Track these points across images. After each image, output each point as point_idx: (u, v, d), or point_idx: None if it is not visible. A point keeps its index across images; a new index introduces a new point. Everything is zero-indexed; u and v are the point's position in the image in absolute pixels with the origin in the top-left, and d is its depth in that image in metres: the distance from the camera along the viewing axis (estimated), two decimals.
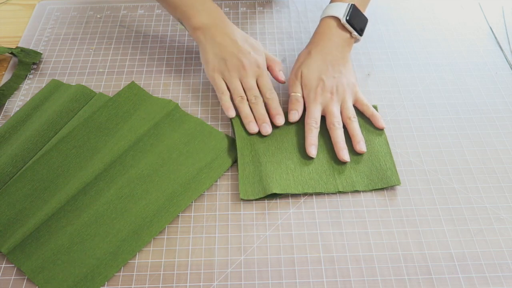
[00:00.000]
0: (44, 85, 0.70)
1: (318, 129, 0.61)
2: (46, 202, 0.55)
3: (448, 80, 0.71)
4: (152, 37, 0.78)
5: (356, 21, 0.65)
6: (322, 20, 0.68)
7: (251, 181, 0.57)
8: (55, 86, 0.68)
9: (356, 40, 0.68)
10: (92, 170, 0.57)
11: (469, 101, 0.68)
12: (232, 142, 0.62)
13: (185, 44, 0.77)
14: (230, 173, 0.59)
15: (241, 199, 0.56)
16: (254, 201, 0.57)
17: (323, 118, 0.63)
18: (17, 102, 0.68)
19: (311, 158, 0.60)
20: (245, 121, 0.62)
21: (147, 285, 0.50)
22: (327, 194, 0.57)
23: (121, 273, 0.51)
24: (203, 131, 0.62)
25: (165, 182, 0.57)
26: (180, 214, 0.55)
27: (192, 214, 0.56)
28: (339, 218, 0.55)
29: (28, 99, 0.68)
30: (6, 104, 0.68)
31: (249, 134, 0.62)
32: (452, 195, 0.57)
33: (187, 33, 0.79)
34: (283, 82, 0.67)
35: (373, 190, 0.57)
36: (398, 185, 0.57)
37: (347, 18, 0.64)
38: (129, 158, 0.59)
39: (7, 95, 0.68)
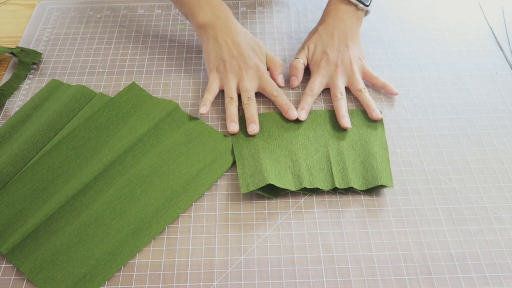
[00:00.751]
0: (44, 85, 0.70)
1: (314, 97, 0.64)
2: (45, 202, 0.55)
3: (448, 80, 0.71)
4: (152, 37, 0.78)
5: None
6: (328, 2, 0.70)
7: (251, 173, 0.57)
8: (55, 86, 0.68)
9: (366, 13, 0.69)
10: (92, 171, 0.57)
11: (469, 101, 0.68)
12: (230, 143, 0.62)
13: (185, 44, 0.77)
14: (230, 173, 0.59)
15: (243, 194, 0.56)
16: (254, 201, 0.57)
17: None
18: (17, 102, 0.68)
19: (308, 156, 0.60)
20: (227, 120, 0.62)
21: (147, 285, 0.50)
22: (327, 194, 0.57)
23: (121, 273, 0.51)
24: (203, 131, 0.62)
25: (165, 182, 0.57)
26: (180, 214, 0.55)
27: (192, 214, 0.56)
28: (339, 218, 0.55)
29: (28, 99, 0.68)
30: (6, 104, 0.68)
31: (246, 135, 0.62)
32: (452, 195, 0.57)
33: (187, 33, 0.79)
34: (282, 86, 0.68)
35: (371, 190, 0.57)
36: (390, 187, 0.56)
37: None
38: (128, 158, 0.59)
39: (7, 95, 0.68)
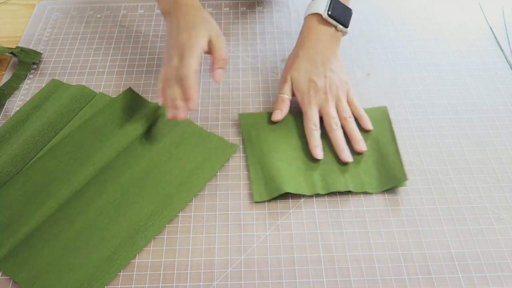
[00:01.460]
0: (44, 85, 0.70)
1: (319, 131, 0.61)
2: (38, 208, 0.55)
3: (448, 80, 0.71)
4: (152, 37, 0.78)
5: (339, 14, 0.64)
6: (305, 19, 0.66)
7: (263, 182, 0.57)
8: (55, 86, 0.68)
9: (344, 33, 0.66)
10: (84, 176, 0.57)
11: (469, 101, 0.68)
12: (222, 142, 0.61)
13: None
14: (230, 173, 0.59)
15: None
16: (254, 201, 0.57)
17: (322, 119, 0.63)
18: (17, 102, 0.68)
19: (317, 160, 0.59)
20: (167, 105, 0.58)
21: (147, 285, 0.50)
22: (327, 194, 0.57)
23: (121, 273, 0.51)
24: (193, 132, 0.62)
25: (158, 185, 0.57)
26: (180, 214, 0.55)
27: (192, 214, 0.56)
28: (339, 218, 0.55)
29: (28, 99, 0.68)
30: (6, 104, 0.68)
31: (258, 136, 0.61)
32: (452, 195, 0.57)
33: None
34: (218, 81, 0.63)
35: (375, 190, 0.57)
36: (406, 180, 0.56)
37: (329, 13, 0.63)
38: (120, 162, 0.59)
39: (7, 95, 0.68)
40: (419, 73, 0.72)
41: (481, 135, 0.63)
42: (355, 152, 0.60)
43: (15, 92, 0.69)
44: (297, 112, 0.64)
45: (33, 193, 0.56)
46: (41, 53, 0.75)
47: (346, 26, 0.65)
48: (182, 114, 0.56)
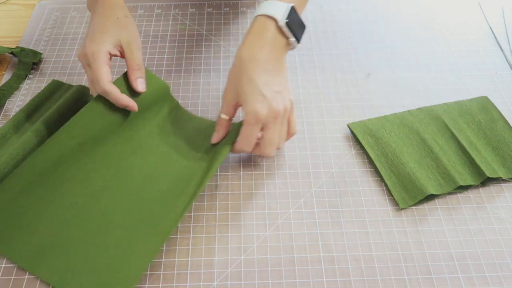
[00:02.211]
0: (44, 85, 0.70)
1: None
2: (47, 199, 0.54)
3: (448, 80, 0.71)
4: (152, 37, 0.78)
5: (295, 26, 0.56)
6: (257, 18, 0.56)
7: (402, 187, 0.57)
8: (56, 86, 0.68)
9: (292, 48, 0.58)
10: (96, 170, 0.57)
11: None
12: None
13: (185, 44, 0.77)
14: (230, 173, 0.59)
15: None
16: (254, 201, 0.57)
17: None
18: (17, 102, 0.68)
19: (444, 152, 0.59)
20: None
21: (147, 285, 0.50)
22: (327, 194, 0.57)
23: None
24: (208, 126, 0.62)
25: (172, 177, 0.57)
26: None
27: (192, 214, 0.56)
28: (339, 218, 0.55)
29: (28, 99, 0.68)
30: (6, 104, 0.68)
31: (377, 139, 0.60)
32: (452, 195, 0.57)
33: (187, 33, 0.79)
34: (141, 91, 0.58)
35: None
36: None
37: (287, 21, 0.54)
38: (134, 158, 0.58)
39: (7, 95, 0.68)
40: (419, 73, 0.72)
41: None
42: (474, 139, 0.60)
43: (15, 92, 0.69)
44: (406, 114, 0.64)
45: (37, 181, 0.55)
46: (41, 53, 0.75)
47: (298, 41, 0.57)
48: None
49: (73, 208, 0.54)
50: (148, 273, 0.51)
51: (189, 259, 0.52)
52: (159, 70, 0.72)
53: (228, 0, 0.85)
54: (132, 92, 0.58)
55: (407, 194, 0.56)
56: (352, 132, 0.63)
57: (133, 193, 0.56)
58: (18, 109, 0.67)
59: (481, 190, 0.58)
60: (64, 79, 0.71)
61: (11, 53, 0.74)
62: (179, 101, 0.67)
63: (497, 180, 0.58)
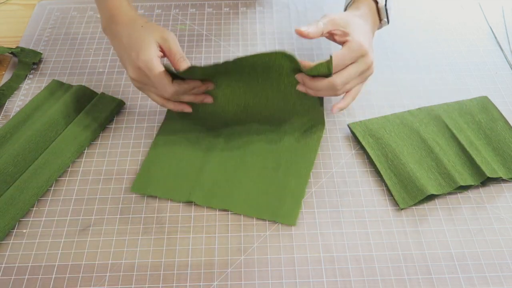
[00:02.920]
0: (44, 85, 0.70)
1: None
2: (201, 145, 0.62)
3: (448, 80, 0.71)
4: None
5: (389, 9, 0.64)
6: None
7: (403, 187, 0.57)
8: (56, 86, 0.68)
9: (379, 27, 0.66)
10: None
11: None
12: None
13: (185, 44, 0.77)
14: None
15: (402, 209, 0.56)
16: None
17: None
18: (17, 102, 0.68)
19: (444, 152, 0.59)
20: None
21: (147, 285, 0.50)
22: (327, 194, 0.57)
23: (121, 273, 0.51)
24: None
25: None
26: (180, 214, 0.56)
27: (192, 214, 0.56)
28: (339, 218, 0.55)
29: (28, 99, 0.68)
30: (6, 104, 0.68)
31: (377, 139, 0.61)
32: (452, 195, 0.57)
33: (187, 33, 0.79)
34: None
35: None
36: None
37: (385, 4, 0.63)
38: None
39: (7, 95, 0.68)
40: (419, 73, 0.72)
41: None
42: (474, 139, 0.60)
43: (15, 92, 0.69)
44: (406, 114, 0.64)
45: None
46: (41, 53, 0.75)
47: (388, 22, 0.65)
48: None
49: (235, 154, 0.61)
50: (148, 273, 0.51)
51: (189, 259, 0.52)
52: None
53: (228, 0, 0.85)
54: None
55: (407, 194, 0.56)
56: (352, 132, 0.63)
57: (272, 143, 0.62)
58: (18, 109, 0.67)
59: (481, 190, 0.58)
60: (64, 79, 0.71)
61: (11, 53, 0.74)
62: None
63: (497, 180, 0.58)
